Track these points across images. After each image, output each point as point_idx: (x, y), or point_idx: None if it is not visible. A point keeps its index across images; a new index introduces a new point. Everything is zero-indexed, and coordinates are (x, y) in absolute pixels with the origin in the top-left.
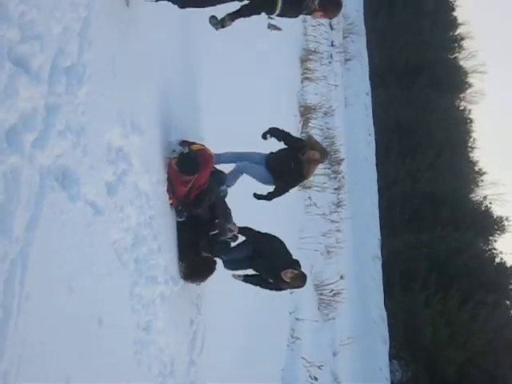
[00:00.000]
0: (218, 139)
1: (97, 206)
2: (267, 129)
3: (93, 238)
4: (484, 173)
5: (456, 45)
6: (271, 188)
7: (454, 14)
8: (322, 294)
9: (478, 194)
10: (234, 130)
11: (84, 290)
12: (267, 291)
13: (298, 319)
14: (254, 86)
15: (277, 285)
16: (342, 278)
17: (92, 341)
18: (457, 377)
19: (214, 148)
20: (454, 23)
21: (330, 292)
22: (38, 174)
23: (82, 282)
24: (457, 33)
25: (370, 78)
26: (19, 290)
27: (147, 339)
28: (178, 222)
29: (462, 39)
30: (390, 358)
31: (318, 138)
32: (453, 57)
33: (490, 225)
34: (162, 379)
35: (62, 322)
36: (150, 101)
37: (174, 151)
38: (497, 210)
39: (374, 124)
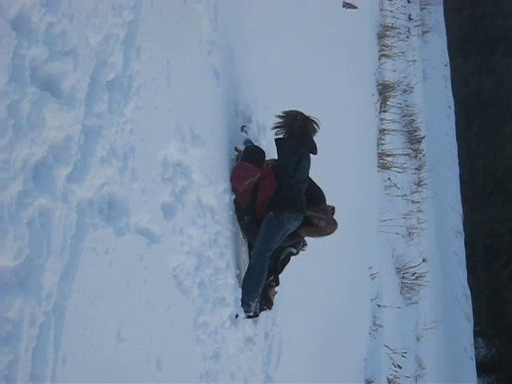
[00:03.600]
0: None
1: (151, 235)
2: None
3: (147, 271)
4: None
5: None
6: None
7: None
8: (404, 278)
9: None
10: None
11: (136, 334)
12: (346, 282)
13: (379, 306)
14: (329, 67)
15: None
16: (424, 261)
17: None
18: None
19: None
20: None
21: (413, 275)
22: (76, 212)
23: (133, 326)
24: None
25: (449, 49)
26: (53, 354)
27: (215, 368)
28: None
29: None
30: (475, 336)
31: (396, 117)
32: None
33: None
34: None
35: (111, 378)
36: (211, 107)
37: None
38: None
39: (453, 96)
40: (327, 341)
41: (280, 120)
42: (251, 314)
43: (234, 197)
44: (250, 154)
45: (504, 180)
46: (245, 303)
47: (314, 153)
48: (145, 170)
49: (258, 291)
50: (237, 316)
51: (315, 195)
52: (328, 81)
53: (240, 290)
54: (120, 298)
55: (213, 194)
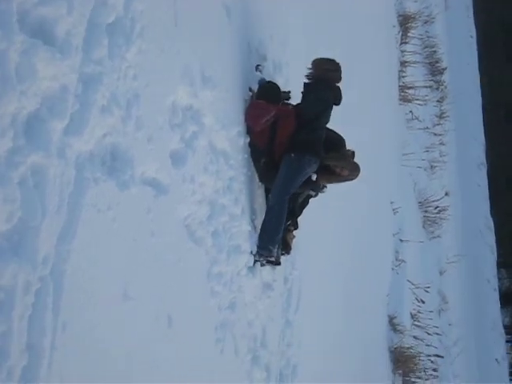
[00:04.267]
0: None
1: (159, 185)
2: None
3: (154, 224)
4: None
5: None
6: None
7: None
8: (426, 212)
9: None
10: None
11: (144, 291)
12: (368, 218)
13: (402, 240)
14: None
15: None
16: (447, 194)
17: (161, 347)
18: None
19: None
20: None
21: (435, 209)
22: (74, 168)
23: (140, 284)
24: None
25: None
26: (52, 322)
27: (231, 318)
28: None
29: None
30: (498, 267)
31: (418, 49)
32: None
33: None
34: (252, 355)
35: (116, 340)
36: (222, 46)
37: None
38: None
39: (475, 26)
40: (349, 279)
41: (312, 67)
42: (272, 259)
43: (248, 139)
44: (264, 91)
45: None
46: (264, 248)
47: (338, 103)
48: (151, 118)
49: (278, 235)
50: (255, 262)
51: (334, 142)
52: (346, 13)
53: (256, 235)
54: (125, 255)
55: (226, 137)
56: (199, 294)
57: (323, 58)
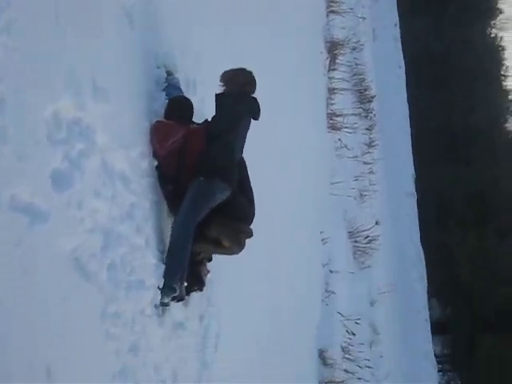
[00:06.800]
0: None
1: (35, 211)
2: None
3: (27, 259)
4: None
5: None
6: None
7: None
8: (356, 242)
9: None
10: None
11: (17, 340)
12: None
13: (331, 271)
14: (272, 21)
15: None
16: (377, 223)
17: None
18: (496, 312)
19: None
20: None
21: (365, 239)
22: None
23: (9, 327)
24: None
25: (398, 8)
26: None
27: (134, 364)
28: None
29: None
30: (429, 297)
31: (346, 76)
32: None
33: None
34: None
35: None
36: (122, 55)
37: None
38: None
39: (403, 56)
40: (276, 312)
41: (222, 81)
42: (176, 295)
43: (155, 163)
44: (173, 108)
45: (455, 140)
46: (168, 286)
47: (257, 118)
48: (22, 130)
49: (182, 271)
50: (161, 304)
51: (241, 213)
52: (272, 36)
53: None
54: None
55: (125, 158)
56: (90, 338)
57: (232, 70)
